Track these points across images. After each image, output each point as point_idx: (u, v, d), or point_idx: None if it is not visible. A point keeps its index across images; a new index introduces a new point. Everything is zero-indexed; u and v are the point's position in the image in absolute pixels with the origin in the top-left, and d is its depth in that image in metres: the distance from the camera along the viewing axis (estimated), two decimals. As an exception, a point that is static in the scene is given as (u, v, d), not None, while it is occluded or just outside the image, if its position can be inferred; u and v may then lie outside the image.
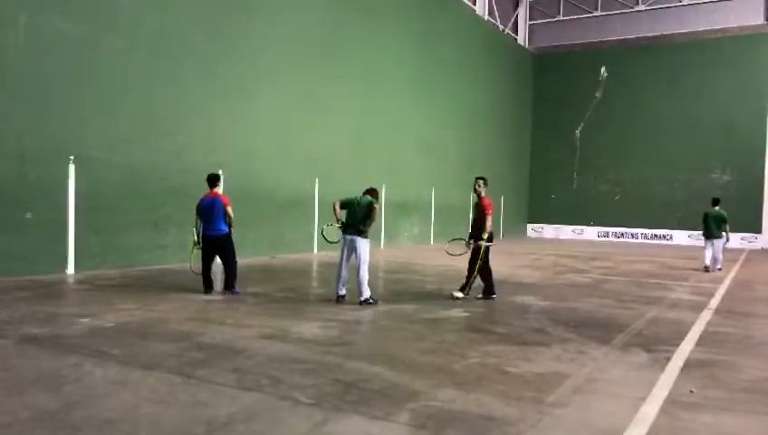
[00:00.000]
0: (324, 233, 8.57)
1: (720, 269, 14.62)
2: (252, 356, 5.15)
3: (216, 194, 8.66)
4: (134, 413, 3.71)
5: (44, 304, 7.37)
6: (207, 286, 8.68)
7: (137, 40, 11.51)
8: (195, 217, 8.79)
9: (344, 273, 8.25)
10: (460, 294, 8.76)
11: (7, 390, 4.10)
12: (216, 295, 8.54)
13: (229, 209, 8.57)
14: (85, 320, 6.47)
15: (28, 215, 9.75)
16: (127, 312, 7.03)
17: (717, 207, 14.67)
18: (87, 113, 10.67)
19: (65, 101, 10.35)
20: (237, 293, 8.64)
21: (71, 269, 10.32)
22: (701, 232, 15.08)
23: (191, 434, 3.42)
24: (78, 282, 9.52)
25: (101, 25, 10.87)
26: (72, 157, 10.31)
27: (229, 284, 8.73)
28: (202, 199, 8.69)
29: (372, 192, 8.35)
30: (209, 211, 8.57)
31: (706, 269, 14.37)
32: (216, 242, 8.63)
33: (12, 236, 9.55)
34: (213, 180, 8.79)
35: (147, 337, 5.75)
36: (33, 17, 9.82)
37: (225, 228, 8.65)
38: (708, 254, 14.53)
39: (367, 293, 8.05)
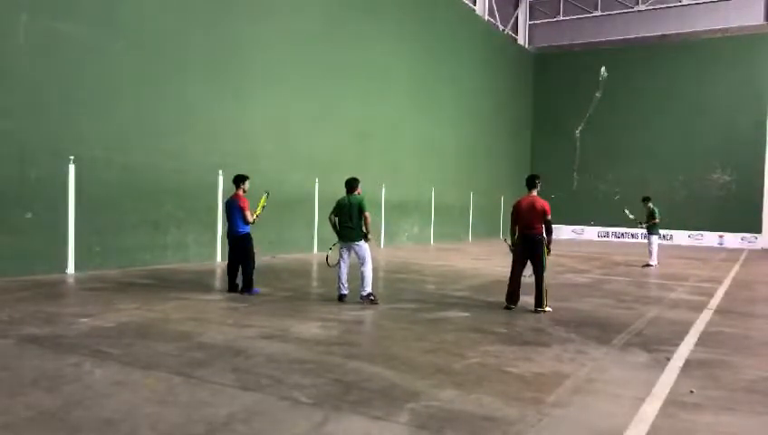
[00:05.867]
0: (328, 260, 8.63)
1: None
2: (252, 356, 5.15)
3: (236, 196, 8.83)
4: (134, 413, 3.71)
5: (44, 304, 7.36)
6: (229, 286, 8.86)
7: (137, 40, 11.50)
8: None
9: (345, 273, 8.34)
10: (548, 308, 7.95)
11: (7, 390, 4.10)
12: (219, 295, 8.55)
13: (247, 214, 8.67)
14: (85, 320, 6.46)
15: (28, 215, 9.75)
16: (127, 312, 7.02)
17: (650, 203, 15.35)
18: (87, 113, 10.66)
19: (65, 101, 10.34)
20: (255, 293, 8.64)
21: (71, 269, 10.32)
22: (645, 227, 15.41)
23: (191, 434, 3.42)
24: (78, 282, 9.51)
25: (101, 26, 10.87)
26: (72, 157, 10.31)
27: (244, 284, 8.73)
28: (227, 200, 9.12)
29: (354, 183, 8.33)
30: (228, 212, 8.87)
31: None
32: (233, 242, 8.87)
33: (12, 236, 9.54)
34: (234, 181, 9.01)
35: (147, 337, 5.75)
36: (33, 17, 9.81)
37: (243, 229, 8.76)
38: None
39: (369, 288, 8.14)
